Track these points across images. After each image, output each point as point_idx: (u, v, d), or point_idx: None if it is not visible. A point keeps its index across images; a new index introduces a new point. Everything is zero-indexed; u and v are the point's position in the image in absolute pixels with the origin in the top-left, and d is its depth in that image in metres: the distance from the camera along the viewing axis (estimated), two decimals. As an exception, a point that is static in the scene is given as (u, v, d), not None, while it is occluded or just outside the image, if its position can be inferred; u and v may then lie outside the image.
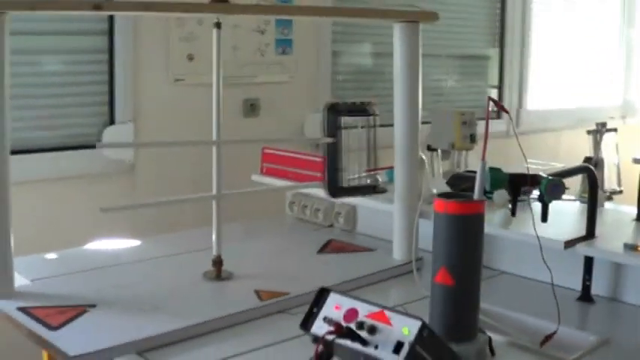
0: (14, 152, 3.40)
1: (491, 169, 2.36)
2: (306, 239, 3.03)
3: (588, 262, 2.40)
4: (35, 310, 2.16)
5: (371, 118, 2.58)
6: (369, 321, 1.54)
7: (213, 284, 2.43)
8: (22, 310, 2.16)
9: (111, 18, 3.98)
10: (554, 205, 2.38)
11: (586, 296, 2.41)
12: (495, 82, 6.43)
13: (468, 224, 1.82)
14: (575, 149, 4.83)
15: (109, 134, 4.00)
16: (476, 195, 1.89)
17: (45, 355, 2.53)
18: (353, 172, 3.26)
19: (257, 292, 2.30)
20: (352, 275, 2.47)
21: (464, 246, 1.82)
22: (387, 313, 1.54)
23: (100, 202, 3.89)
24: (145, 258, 2.74)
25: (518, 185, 2.32)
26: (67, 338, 1.97)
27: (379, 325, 1.53)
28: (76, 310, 2.15)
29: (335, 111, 2.55)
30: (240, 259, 2.54)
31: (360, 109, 2.56)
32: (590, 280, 2.40)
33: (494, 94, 6.40)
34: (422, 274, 2.51)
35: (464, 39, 6.06)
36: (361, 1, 5.18)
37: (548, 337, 2.00)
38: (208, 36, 4.20)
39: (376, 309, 1.56)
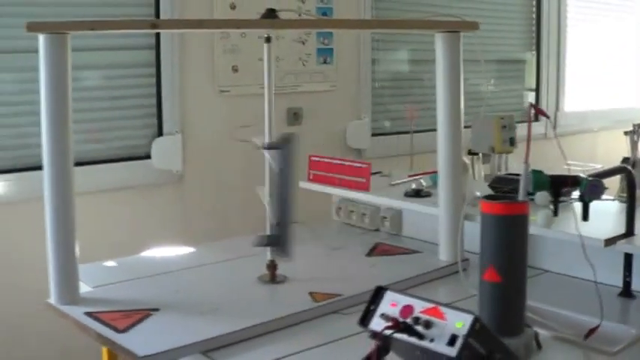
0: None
1: (534, 171, 2.45)
2: (353, 243, 3.13)
3: (628, 259, 2.49)
4: (101, 315, 2.27)
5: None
6: (424, 316, 1.64)
7: (269, 287, 2.55)
8: (89, 314, 2.28)
9: (157, 33, 4.10)
10: (593, 205, 2.46)
11: (627, 292, 2.49)
12: (532, 86, 6.48)
13: (513, 224, 1.92)
14: (613, 150, 4.88)
15: (158, 145, 4.10)
16: (520, 196, 1.99)
17: (104, 353, 2.66)
18: (397, 177, 3.38)
19: (311, 294, 2.41)
20: (401, 276, 2.57)
21: (510, 245, 1.92)
22: (441, 308, 1.64)
23: (149, 212, 4.05)
24: (201, 264, 2.85)
25: (559, 186, 2.41)
26: (135, 340, 2.08)
27: (434, 320, 1.63)
28: (140, 314, 2.26)
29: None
30: (291, 263, 2.62)
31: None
32: (630, 276, 2.49)
33: (531, 97, 6.46)
34: (467, 274, 2.60)
35: (501, 44, 6.12)
36: (398, 9, 5.27)
37: (591, 331, 2.09)
38: (251, 48, 4.34)
39: (430, 305, 1.66)
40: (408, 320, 1.64)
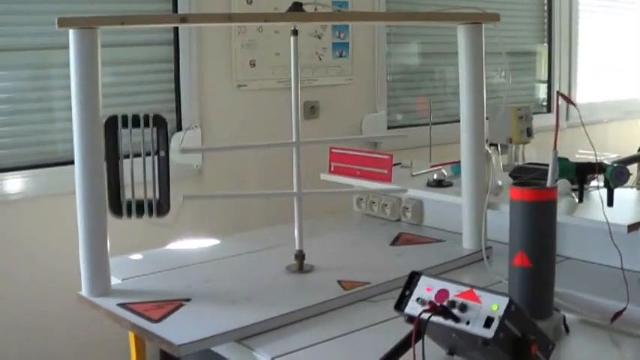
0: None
1: (559, 158, 2.48)
2: (376, 233, 3.16)
3: (651, 244, 2.53)
4: (134, 306, 2.31)
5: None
6: (460, 300, 1.68)
7: (298, 277, 2.58)
8: (122, 305, 2.32)
9: (176, 28, 4.15)
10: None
11: (650, 277, 2.53)
12: (544, 77, 6.52)
13: (543, 210, 1.96)
14: (623, 140, 4.92)
15: (177, 140, 4.14)
16: (549, 182, 2.03)
17: (132, 344, 2.70)
18: (417, 168, 3.41)
19: (340, 283, 2.45)
20: (427, 264, 2.60)
21: (540, 230, 1.96)
22: (476, 291, 1.68)
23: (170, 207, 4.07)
24: (227, 255, 2.89)
25: (585, 173, 2.44)
26: (170, 329, 2.12)
27: (469, 303, 1.66)
28: (173, 304, 2.30)
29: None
30: (317, 253, 2.67)
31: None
32: (653, 261, 2.53)
33: (543, 89, 6.49)
34: (491, 261, 2.64)
35: (512, 36, 6.16)
36: (410, 2, 5.31)
37: (617, 314, 2.13)
38: (268, 43, 4.39)
39: (465, 288, 1.69)
40: (445, 303, 1.67)
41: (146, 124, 2.41)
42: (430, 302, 1.69)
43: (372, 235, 3.15)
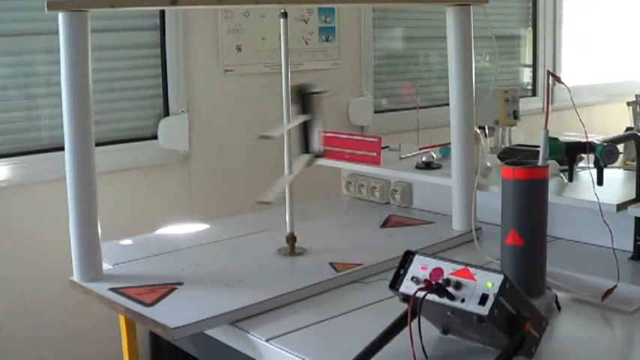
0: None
1: (550, 138, 2.50)
2: (366, 216, 3.18)
3: (639, 222, 2.54)
4: (126, 290, 2.31)
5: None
6: (455, 278, 1.69)
7: (290, 259, 2.59)
8: (114, 290, 2.32)
9: (162, 13, 4.14)
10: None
11: (638, 255, 2.55)
12: (528, 61, 6.53)
13: (534, 188, 1.97)
14: (607, 123, 4.94)
15: (165, 126, 4.13)
16: (540, 161, 2.04)
17: (123, 329, 2.70)
18: (406, 151, 3.42)
19: (332, 264, 2.46)
20: (417, 245, 2.59)
21: (532, 209, 1.98)
22: (470, 269, 1.69)
23: (156, 192, 4.08)
24: (218, 239, 2.89)
25: (574, 152, 2.46)
26: (164, 313, 2.12)
27: (464, 280, 1.68)
28: (165, 288, 2.30)
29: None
30: (308, 236, 2.68)
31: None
32: (641, 240, 2.55)
33: (527, 72, 6.51)
34: (481, 242, 2.66)
35: (497, 20, 6.16)
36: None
37: (608, 292, 2.15)
38: (254, 27, 4.39)
39: (460, 266, 1.71)
40: (440, 281, 1.69)
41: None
42: (425, 280, 1.70)
43: (361, 217, 3.17)
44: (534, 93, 6.51)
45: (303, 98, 2.55)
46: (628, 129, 3.49)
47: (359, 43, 5.03)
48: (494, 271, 1.68)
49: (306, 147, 2.59)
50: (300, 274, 2.44)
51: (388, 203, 3.37)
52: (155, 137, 4.16)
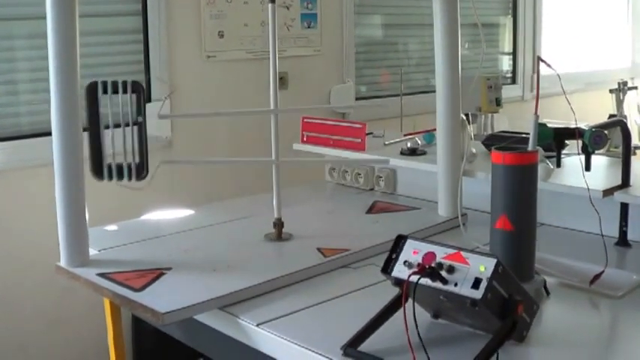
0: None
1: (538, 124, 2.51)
2: (351, 202, 3.18)
3: (624, 209, 2.56)
4: (114, 275, 2.30)
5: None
6: (447, 262, 1.70)
7: (277, 244, 2.59)
8: (102, 275, 2.31)
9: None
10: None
11: (623, 241, 2.57)
12: (507, 50, 6.54)
13: (524, 173, 1.98)
14: (587, 111, 4.96)
15: (147, 112, 4.10)
16: (530, 146, 2.05)
17: (108, 315, 2.70)
18: (391, 137, 3.43)
19: (319, 250, 2.46)
20: (403, 231, 2.55)
21: (522, 194, 1.99)
22: (463, 253, 1.70)
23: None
24: (204, 225, 2.89)
25: (562, 138, 2.47)
26: (153, 298, 2.11)
27: (457, 264, 1.69)
28: (154, 273, 2.30)
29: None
30: (294, 222, 2.67)
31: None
32: (626, 226, 2.57)
33: (506, 61, 6.53)
34: (467, 228, 2.67)
35: (476, 7, 6.16)
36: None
37: (596, 277, 2.16)
38: (236, 13, 4.38)
39: (452, 250, 1.71)
40: (433, 265, 1.69)
41: (124, 91, 2.38)
42: (418, 265, 1.70)
43: (346, 203, 3.18)
44: (514, 81, 6.53)
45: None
46: (611, 116, 3.50)
47: (340, 30, 5.03)
48: (487, 254, 1.69)
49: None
50: (289, 260, 2.44)
51: (372, 189, 3.38)
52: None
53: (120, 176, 2.47)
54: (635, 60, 7.78)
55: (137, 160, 2.48)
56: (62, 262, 2.41)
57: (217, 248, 2.59)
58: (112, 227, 2.93)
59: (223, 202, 3.37)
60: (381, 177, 3.32)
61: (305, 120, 3.32)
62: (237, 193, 3.49)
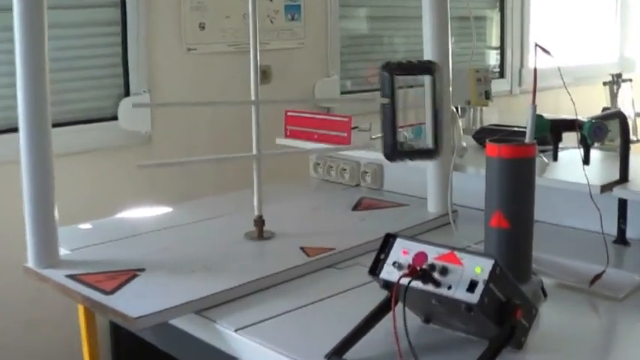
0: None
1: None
2: (336, 199, 3.06)
3: (622, 205, 2.44)
4: (85, 277, 2.17)
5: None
6: (440, 263, 1.57)
7: (258, 244, 2.46)
8: (72, 277, 2.17)
9: (123, -11, 4.00)
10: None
11: (621, 239, 2.45)
12: (494, 44, 6.44)
13: (521, 167, 1.85)
14: (579, 105, 4.87)
15: (125, 106, 4.00)
16: (528, 138, 1.92)
17: (82, 317, 2.56)
18: (377, 131, 3.31)
19: (303, 249, 2.33)
20: (391, 229, 2.43)
21: (519, 189, 1.85)
22: (457, 253, 1.57)
23: (118, 175, 3.96)
24: (182, 223, 2.76)
25: (560, 130, 2.34)
26: (125, 301, 1.98)
27: (450, 266, 1.56)
28: (126, 275, 2.17)
29: (390, 70, 2.42)
30: (276, 220, 2.54)
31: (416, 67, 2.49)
32: (624, 223, 2.45)
33: (494, 55, 6.42)
34: (457, 226, 2.55)
35: (462, 0, 6.06)
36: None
37: (596, 277, 2.04)
38: (218, 5, 4.26)
39: (445, 250, 1.58)
40: (425, 267, 1.56)
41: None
42: (409, 266, 1.58)
43: (331, 200, 3.05)
44: (502, 75, 6.42)
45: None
46: (605, 109, 3.39)
47: (325, 23, 4.91)
48: (482, 255, 1.56)
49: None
50: (270, 260, 2.33)
51: (359, 185, 3.26)
52: (115, 118, 4.01)
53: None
54: (623, 54, 7.67)
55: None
56: (30, 263, 2.29)
57: (195, 248, 2.46)
58: (86, 226, 2.80)
59: (203, 199, 3.25)
60: (367, 173, 3.19)
61: (289, 114, 3.21)
62: (220, 190, 3.37)
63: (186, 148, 4.21)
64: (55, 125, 3.75)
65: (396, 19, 5.46)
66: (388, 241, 1.68)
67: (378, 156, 2.99)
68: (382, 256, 1.67)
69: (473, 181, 2.59)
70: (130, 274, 2.18)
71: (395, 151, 2.44)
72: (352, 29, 5.33)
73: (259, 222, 2.48)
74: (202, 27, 4.24)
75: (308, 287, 2.13)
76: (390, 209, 2.84)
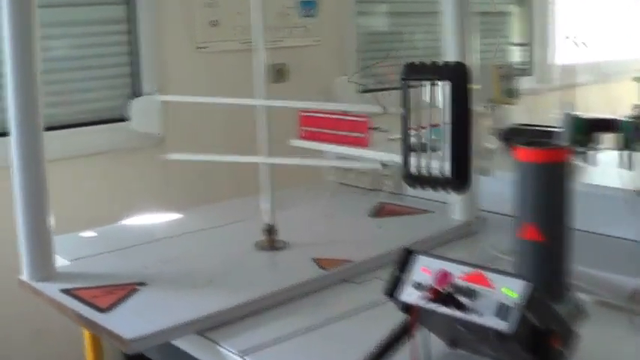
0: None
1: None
2: (354, 204, 2.88)
3: (663, 211, 2.25)
4: (80, 292, 2.01)
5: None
6: (466, 284, 1.38)
7: (268, 254, 2.28)
8: (66, 292, 2.02)
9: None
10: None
11: (662, 249, 2.26)
12: (516, 39, 6.29)
13: (556, 173, 1.65)
14: (604, 103, 4.71)
15: (136, 107, 3.88)
16: (563, 140, 1.73)
17: (86, 336, 2.41)
18: (397, 132, 3.13)
19: (316, 261, 2.15)
20: (412, 238, 2.32)
21: (553, 197, 1.65)
22: (485, 273, 1.38)
23: (128, 178, 3.82)
24: (190, 231, 2.60)
25: (598, 131, 2.15)
26: (120, 320, 1.82)
27: (478, 287, 1.37)
28: (125, 290, 2.00)
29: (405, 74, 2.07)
30: (289, 227, 2.37)
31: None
32: (665, 232, 2.26)
33: (518, 52, 6.26)
34: (485, 234, 2.40)
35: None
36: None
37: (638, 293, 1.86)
38: (229, 1, 4.09)
39: (472, 270, 1.40)
40: (449, 289, 1.38)
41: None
42: (432, 289, 1.39)
43: (349, 205, 2.87)
44: (529, 73, 6.26)
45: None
46: (637, 107, 3.20)
47: (342, 19, 4.76)
48: (514, 275, 1.38)
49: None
50: (280, 273, 2.16)
51: (378, 190, 3.07)
52: (124, 119, 3.87)
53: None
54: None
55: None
56: (25, 276, 2.13)
57: (201, 258, 2.29)
58: (89, 234, 2.66)
59: (216, 204, 3.10)
60: (387, 175, 3.01)
61: (303, 114, 3.04)
62: (235, 194, 3.21)
63: (199, 150, 4.04)
64: (62, 127, 3.67)
65: (416, 15, 5.31)
66: (407, 257, 1.50)
67: (398, 157, 2.83)
68: (401, 275, 1.48)
69: (500, 185, 2.40)
70: (129, 289, 2.01)
71: (410, 176, 2.10)
72: (371, 26, 5.16)
73: (270, 231, 2.30)
74: (214, 24, 4.10)
75: (322, 304, 1.96)
76: (412, 216, 2.66)
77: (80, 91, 3.79)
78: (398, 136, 3.03)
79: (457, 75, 1.96)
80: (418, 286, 1.43)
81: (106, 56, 3.89)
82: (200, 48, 4.09)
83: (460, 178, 1.99)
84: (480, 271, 1.39)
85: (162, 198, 3.84)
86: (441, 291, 1.37)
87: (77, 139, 3.68)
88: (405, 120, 2.06)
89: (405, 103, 2.05)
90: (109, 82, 3.91)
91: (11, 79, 2.03)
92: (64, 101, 3.73)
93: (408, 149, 2.10)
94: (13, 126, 2.06)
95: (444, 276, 1.41)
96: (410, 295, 1.44)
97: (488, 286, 1.37)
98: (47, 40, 3.63)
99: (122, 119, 3.90)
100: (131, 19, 3.91)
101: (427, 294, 1.39)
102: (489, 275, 1.38)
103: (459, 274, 1.41)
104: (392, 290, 1.48)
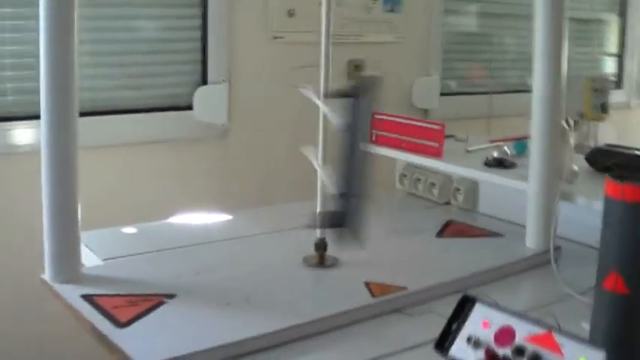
0: (97, 113, 3.06)
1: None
2: (420, 219, 2.64)
3: None
4: (102, 300, 1.81)
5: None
6: (531, 346, 1.14)
7: (316, 273, 2.05)
8: (87, 298, 1.82)
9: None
10: None
11: None
12: (612, 50, 6.00)
13: (652, 216, 1.39)
14: None
15: (201, 95, 3.70)
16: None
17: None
18: (474, 143, 2.90)
19: (367, 285, 1.92)
20: (479, 266, 2.07)
21: (644, 244, 1.40)
22: (556, 336, 1.14)
23: (188, 170, 3.64)
24: (236, 236, 2.38)
25: None
26: (136, 339, 1.62)
27: (545, 353, 1.13)
28: (150, 302, 1.80)
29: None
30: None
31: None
32: None
33: (611, 61, 5.94)
34: (560, 266, 2.12)
35: (580, 1, 5.62)
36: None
37: None
38: (308, -9, 3.89)
39: (540, 330, 1.16)
40: (509, 353, 1.14)
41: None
42: (488, 350, 1.15)
43: (414, 221, 2.64)
44: (618, 85, 5.95)
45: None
46: None
47: (427, 16, 4.55)
48: (589, 342, 1.13)
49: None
50: (326, 296, 1.93)
51: (448, 204, 2.83)
52: (190, 107, 3.71)
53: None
54: None
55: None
56: (47, 276, 1.93)
57: (241, 271, 2.07)
58: (130, 230, 2.46)
59: (272, 206, 2.92)
60: (459, 190, 2.77)
61: (376, 117, 2.82)
62: (300, 193, 3.01)
63: (265, 143, 3.90)
64: (121, 112, 3.51)
65: (507, 17, 5.06)
66: (465, 305, 1.26)
67: (475, 172, 2.60)
68: (455, 326, 1.25)
69: (582, 213, 2.16)
70: (155, 301, 1.80)
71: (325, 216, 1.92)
72: (459, 25, 4.93)
73: (321, 246, 2.08)
74: (291, 14, 3.90)
75: (366, 337, 1.72)
76: (481, 239, 2.41)
77: (145, 76, 3.62)
78: (477, 147, 2.82)
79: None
80: (474, 342, 1.20)
81: (174, 41, 3.71)
82: (277, 38, 3.89)
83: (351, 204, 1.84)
84: (550, 332, 1.15)
85: (219, 194, 3.67)
86: (499, 354, 1.13)
87: (136, 126, 3.52)
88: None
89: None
90: (176, 68, 3.73)
91: (44, 57, 1.84)
92: (131, 85, 3.58)
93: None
94: (43, 109, 1.86)
95: (506, 333, 1.17)
96: (462, 351, 1.20)
97: (558, 351, 1.12)
98: (119, 20, 3.49)
99: (187, 107, 3.71)
100: (203, 4, 3.72)
101: (481, 355, 1.15)
102: (561, 340, 1.13)
103: (524, 333, 1.17)
104: (443, 343, 1.25)
